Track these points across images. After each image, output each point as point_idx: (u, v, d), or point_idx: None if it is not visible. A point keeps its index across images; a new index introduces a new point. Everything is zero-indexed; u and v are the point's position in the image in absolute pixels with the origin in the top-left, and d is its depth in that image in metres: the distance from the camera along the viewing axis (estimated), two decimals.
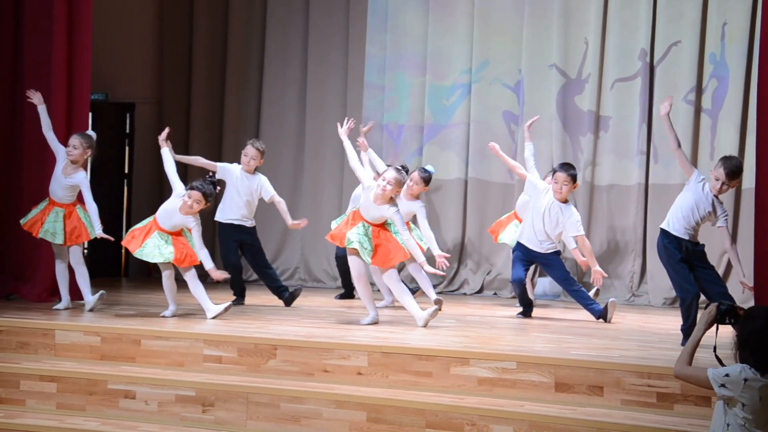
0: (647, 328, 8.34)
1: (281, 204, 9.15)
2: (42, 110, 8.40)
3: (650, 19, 10.33)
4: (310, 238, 11.63)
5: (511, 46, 10.90)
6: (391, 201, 7.82)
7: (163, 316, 8.06)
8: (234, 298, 9.18)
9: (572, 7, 10.64)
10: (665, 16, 10.30)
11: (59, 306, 8.39)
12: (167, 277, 8.16)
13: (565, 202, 8.71)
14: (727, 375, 4.33)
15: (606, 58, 10.52)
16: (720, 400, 4.38)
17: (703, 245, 7.42)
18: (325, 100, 11.69)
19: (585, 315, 8.80)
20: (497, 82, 10.95)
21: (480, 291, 10.92)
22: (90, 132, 8.65)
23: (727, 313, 4.43)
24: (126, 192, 12.20)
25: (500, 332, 7.77)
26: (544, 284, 10.63)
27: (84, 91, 9.21)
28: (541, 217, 8.69)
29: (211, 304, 8.06)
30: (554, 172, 8.79)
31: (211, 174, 8.69)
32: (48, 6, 9.05)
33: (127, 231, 12.01)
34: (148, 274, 12.00)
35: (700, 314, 4.58)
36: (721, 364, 4.43)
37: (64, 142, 8.46)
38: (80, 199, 8.44)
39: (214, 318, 7.97)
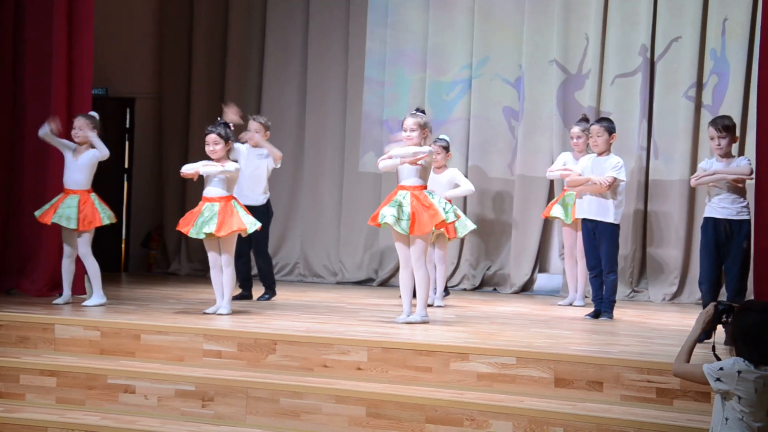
0: (647, 323, 8.34)
1: (273, 151, 9.13)
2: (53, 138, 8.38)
3: (651, 15, 10.33)
4: (309, 234, 11.63)
5: (512, 41, 10.89)
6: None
7: (218, 313, 7.94)
8: (239, 291, 9.16)
9: (573, 2, 10.64)
10: (666, 11, 10.30)
11: (59, 300, 8.39)
12: (214, 267, 8.01)
13: (607, 154, 8.43)
14: (721, 369, 4.34)
15: (606, 54, 10.52)
16: (718, 395, 4.39)
17: (748, 226, 7.13)
18: (325, 95, 11.69)
19: (584, 311, 8.79)
20: (497, 77, 10.94)
21: (480, 287, 10.92)
22: (92, 113, 8.58)
23: (724, 312, 4.44)
24: (126, 186, 12.21)
25: (500, 328, 7.77)
26: (542, 280, 10.62)
27: (85, 88, 9.17)
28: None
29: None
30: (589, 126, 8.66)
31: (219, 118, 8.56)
32: (48, 3, 9.03)
33: (127, 226, 12.10)
34: (147, 269, 12.02)
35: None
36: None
37: (66, 137, 8.45)
38: (95, 186, 8.40)
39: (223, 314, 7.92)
